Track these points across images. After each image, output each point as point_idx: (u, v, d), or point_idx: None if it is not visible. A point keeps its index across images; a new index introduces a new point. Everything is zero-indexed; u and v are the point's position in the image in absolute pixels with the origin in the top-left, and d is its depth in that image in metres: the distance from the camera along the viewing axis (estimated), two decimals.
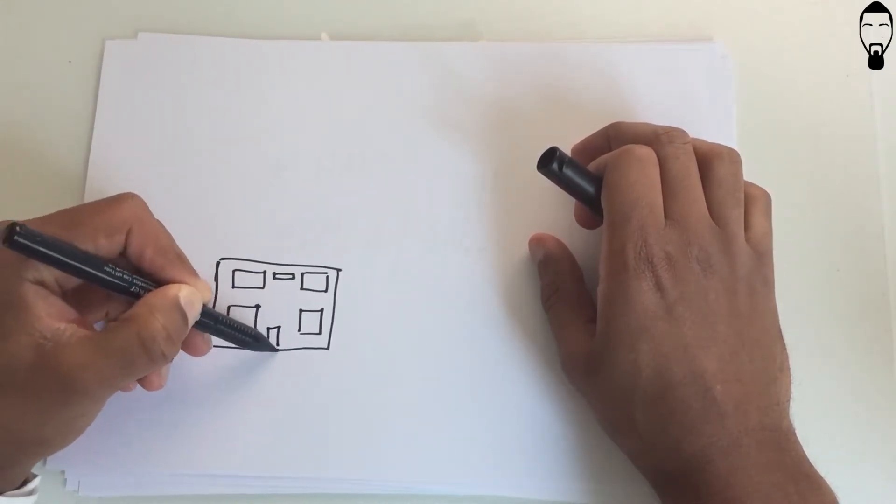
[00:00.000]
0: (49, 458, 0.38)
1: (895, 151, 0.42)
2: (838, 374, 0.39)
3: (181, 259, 0.35)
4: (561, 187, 0.36)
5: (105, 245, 0.33)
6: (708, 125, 0.42)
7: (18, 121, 0.43)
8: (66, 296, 0.33)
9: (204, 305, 0.35)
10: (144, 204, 0.35)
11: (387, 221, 0.41)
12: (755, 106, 0.43)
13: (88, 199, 0.41)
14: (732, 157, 0.36)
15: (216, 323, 0.36)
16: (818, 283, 0.41)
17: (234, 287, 0.40)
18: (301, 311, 0.40)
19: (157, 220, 0.35)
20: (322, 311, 0.40)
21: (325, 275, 0.40)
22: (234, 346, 0.38)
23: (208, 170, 0.41)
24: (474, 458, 0.38)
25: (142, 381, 0.36)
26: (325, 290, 0.40)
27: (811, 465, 0.32)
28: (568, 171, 0.35)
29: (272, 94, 0.43)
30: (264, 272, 0.40)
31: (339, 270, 0.40)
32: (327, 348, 0.39)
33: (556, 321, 0.38)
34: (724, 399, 0.32)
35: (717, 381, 0.32)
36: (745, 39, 0.44)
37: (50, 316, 0.31)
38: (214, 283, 0.40)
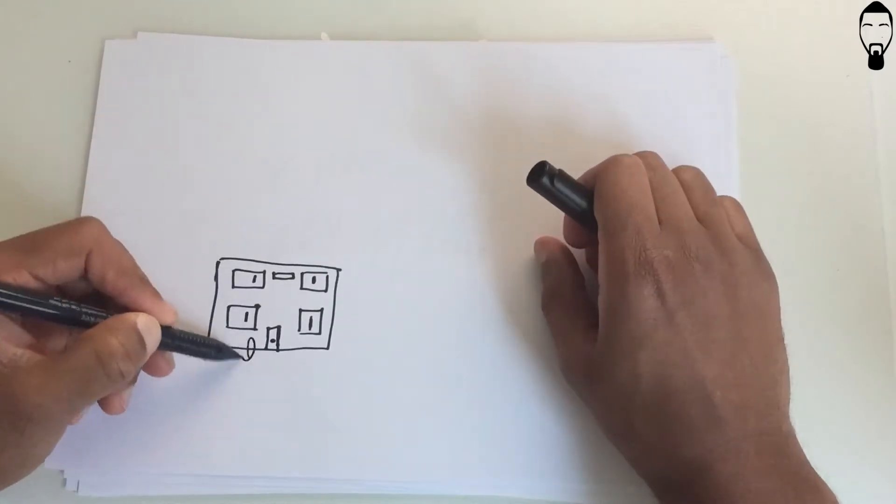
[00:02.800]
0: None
1: (895, 151, 0.42)
2: (838, 375, 0.39)
3: (144, 281, 0.35)
4: (551, 201, 0.35)
5: (64, 268, 0.33)
6: (708, 125, 0.42)
7: (18, 121, 0.43)
8: (26, 326, 0.33)
9: (163, 326, 0.34)
10: (103, 226, 0.35)
11: (387, 221, 0.41)
12: (755, 106, 0.43)
13: (88, 200, 0.41)
14: (691, 166, 0.36)
15: (174, 340, 0.36)
16: (818, 283, 0.40)
17: (234, 287, 0.40)
18: (301, 310, 0.40)
19: (118, 242, 0.35)
20: (322, 310, 0.40)
21: (325, 275, 0.40)
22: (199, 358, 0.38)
23: (208, 169, 0.41)
24: (474, 459, 0.38)
25: (102, 404, 0.35)
26: (325, 290, 0.40)
27: (811, 469, 0.32)
28: (560, 184, 0.35)
29: (272, 94, 0.43)
30: (264, 272, 0.40)
31: (339, 270, 0.40)
32: (327, 348, 0.39)
33: (555, 326, 0.38)
34: (724, 405, 0.32)
35: (716, 388, 0.32)
36: (745, 39, 0.44)
37: (7, 342, 0.31)
38: (214, 283, 0.40)
